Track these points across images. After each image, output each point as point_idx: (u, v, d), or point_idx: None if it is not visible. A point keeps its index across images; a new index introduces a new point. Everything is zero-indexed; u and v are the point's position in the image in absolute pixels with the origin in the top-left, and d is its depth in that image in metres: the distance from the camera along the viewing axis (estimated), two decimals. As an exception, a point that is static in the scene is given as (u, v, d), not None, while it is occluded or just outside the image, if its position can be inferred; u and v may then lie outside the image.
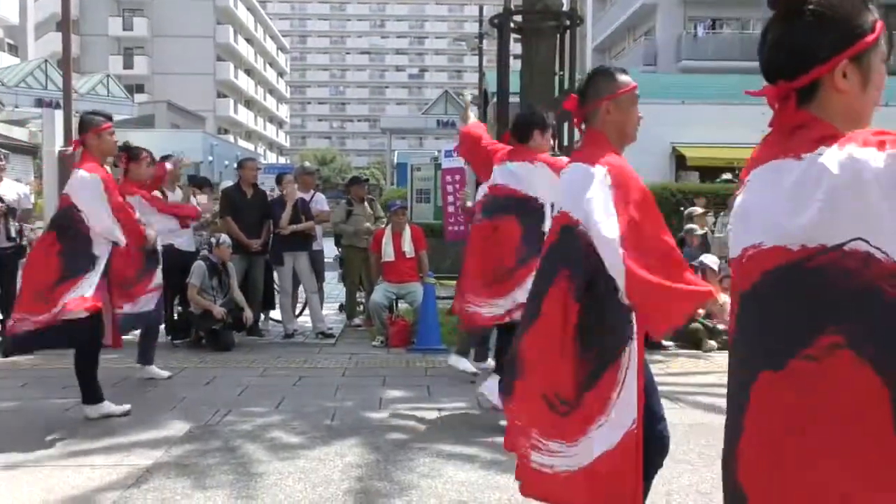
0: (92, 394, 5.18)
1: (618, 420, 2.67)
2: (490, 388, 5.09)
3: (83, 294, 4.90)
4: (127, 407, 5.31)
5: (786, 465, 1.42)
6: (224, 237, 8.08)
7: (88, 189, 5.11)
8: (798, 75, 1.49)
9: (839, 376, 1.37)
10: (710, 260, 8.75)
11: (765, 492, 1.46)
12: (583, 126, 3.08)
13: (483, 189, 5.41)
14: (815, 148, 1.42)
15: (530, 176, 4.82)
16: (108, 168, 5.54)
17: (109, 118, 5.39)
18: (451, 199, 10.83)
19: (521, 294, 4.56)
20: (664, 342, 8.12)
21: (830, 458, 1.37)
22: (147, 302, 6.01)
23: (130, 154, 6.32)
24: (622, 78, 3.02)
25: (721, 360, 7.75)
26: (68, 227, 5.10)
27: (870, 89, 1.51)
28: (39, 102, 26.42)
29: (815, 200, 1.38)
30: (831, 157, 1.38)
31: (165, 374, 6.58)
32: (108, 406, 5.23)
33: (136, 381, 6.34)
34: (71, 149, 8.54)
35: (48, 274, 4.95)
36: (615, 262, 2.58)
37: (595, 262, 2.66)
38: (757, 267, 1.50)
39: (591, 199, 2.69)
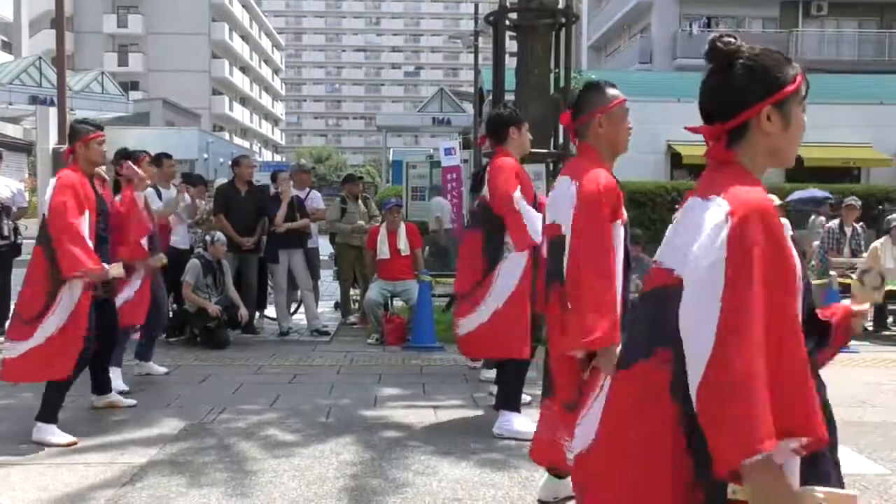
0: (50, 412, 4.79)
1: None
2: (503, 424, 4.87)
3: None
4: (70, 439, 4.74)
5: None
6: (218, 235, 8.07)
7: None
8: (730, 118, 1.76)
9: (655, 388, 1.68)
10: None
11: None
12: (577, 140, 3.20)
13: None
14: (717, 194, 1.66)
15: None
16: (103, 172, 5.44)
17: (100, 127, 5.21)
18: (449, 197, 10.84)
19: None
20: None
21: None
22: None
23: (130, 158, 6.28)
24: (611, 92, 3.14)
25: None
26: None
27: (791, 130, 1.76)
28: (34, 100, 26.39)
29: (694, 241, 1.63)
30: (711, 213, 1.63)
31: (163, 370, 6.61)
32: (53, 433, 4.74)
33: (131, 378, 6.32)
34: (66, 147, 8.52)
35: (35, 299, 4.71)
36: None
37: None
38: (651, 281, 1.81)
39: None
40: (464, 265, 4.92)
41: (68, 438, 4.67)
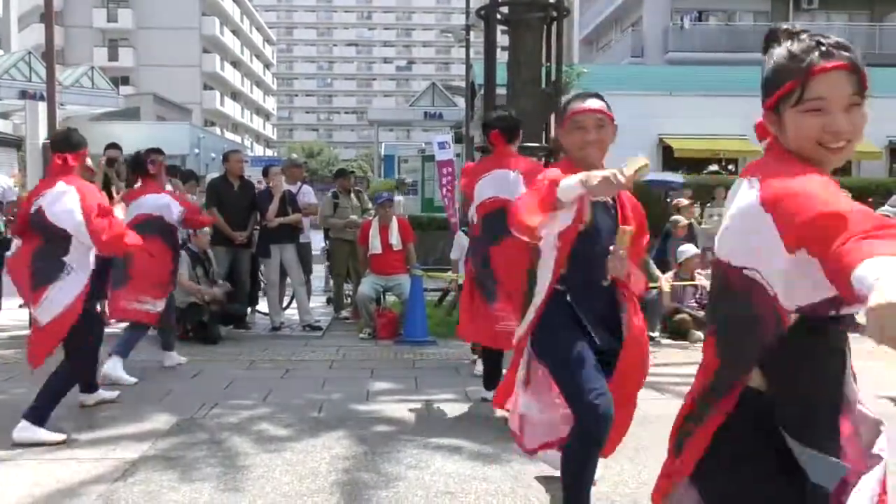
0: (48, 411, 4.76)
1: None
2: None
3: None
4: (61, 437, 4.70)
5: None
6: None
7: None
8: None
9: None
10: (687, 248, 8.87)
11: None
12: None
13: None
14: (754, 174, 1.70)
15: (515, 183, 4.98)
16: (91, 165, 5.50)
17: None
18: (444, 191, 10.83)
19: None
20: (650, 333, 8.15)
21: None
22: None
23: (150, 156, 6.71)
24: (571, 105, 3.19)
25: (707, 350, 7.80)
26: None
27: (790, 134, 1.71)
28: (23, 94, 26.24)
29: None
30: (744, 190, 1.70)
31: (182, 359, 6.83)
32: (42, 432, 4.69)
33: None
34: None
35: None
36: None
37: None
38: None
39: None
40: (509, 264, 4.99)
41: (60, 436, 4.63)
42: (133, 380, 6.12)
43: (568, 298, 3.08)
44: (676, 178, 15.25)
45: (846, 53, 1.66)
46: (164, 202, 6.50)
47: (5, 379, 6.20)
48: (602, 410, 2.89)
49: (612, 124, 3.15)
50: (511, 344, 3.56)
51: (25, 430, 4.57)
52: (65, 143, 4.92)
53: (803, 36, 1.69)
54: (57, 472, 4.05)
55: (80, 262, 4.72)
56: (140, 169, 6.68)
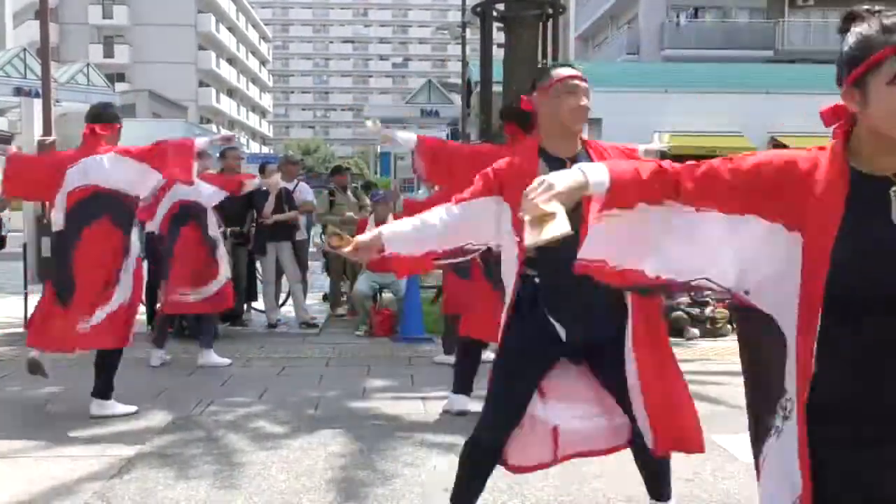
0: (108, 388, 5.07)
1: None
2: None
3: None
4: (133, 409, 5.14)
5: None
6: None
7: None
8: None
9: None
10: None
11: None
12: None
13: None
14: None
15: None
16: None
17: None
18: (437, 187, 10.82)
19: None
20: None
21: None
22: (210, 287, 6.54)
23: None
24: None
25: (703, 347, 7.81)
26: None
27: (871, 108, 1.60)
28: (18, 91, 26.12)
29: None
30: None
31: (226, 361, 6.77)
32: (113, 405, 5.07)
33: (119, 371, 6.28)
34: (50, 139, 8.46)
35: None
36: None
37: None
38: None
39: None
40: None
41: (130, 408, 5.09)
42: (227, 361, 6.67)
43: (537, 281, 2.84)
44: None
45: None
46: (194, 186, 6.43)
47: (0, 377, 6.19)
48: (478, 443, 3.02)
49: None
50: None
51: (101, 407, 4.98)
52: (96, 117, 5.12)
53: (891, 12, 1.61)
54: (52, 470, 4.04)
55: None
56: None
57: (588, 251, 1.75)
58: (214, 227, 6.73)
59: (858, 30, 1.61)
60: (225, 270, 6.66)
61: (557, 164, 2.75)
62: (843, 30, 1.67)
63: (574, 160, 2.70)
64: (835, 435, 1.55)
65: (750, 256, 1.62)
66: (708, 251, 1.65)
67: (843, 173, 1.58)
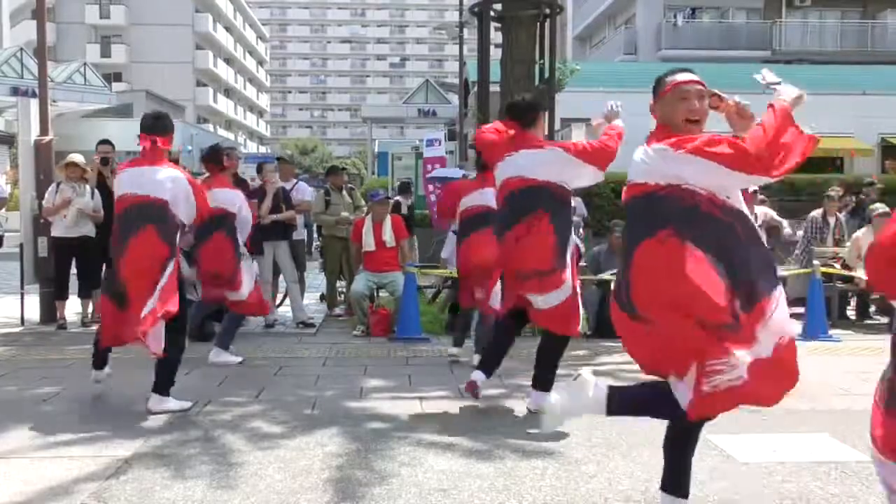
0: (167, 384, 5.20)
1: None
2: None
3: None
4: (188, 404, 5.23)
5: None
6: None
7: None
8: None
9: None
10: None
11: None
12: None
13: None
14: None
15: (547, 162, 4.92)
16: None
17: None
18: (431, 187, 10.81)
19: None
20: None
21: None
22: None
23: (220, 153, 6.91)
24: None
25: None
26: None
27: None
28: (15, 91, 26.09)
29: None
30: None
31: (238, 359, 6.80)
32: (172, 401, 5.19)
33: (115, 370, 6.28)
34: (47, 138, 8.43)
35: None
36: None
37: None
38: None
39: None
40: (531, 244, 4.93)
41: (184, 404, 5.17)
42: (238, 358, 6.71)
43: None
44: (453, 172, 14.70)
45: None
46: (238, 203, 6.63)
47: (-3, 376, 6.17)
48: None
49: (707, 98, 3.18)
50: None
51: (159, 403, 5.10)
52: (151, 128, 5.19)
53: None
54: (49, 470, 4.03)
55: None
56: (215, 161, 6.76)
57: None
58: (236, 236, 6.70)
59: None
60: (248, 284, 6.61)
61: None
62: None
63: None
64: None
65: None
66: None
67: None
